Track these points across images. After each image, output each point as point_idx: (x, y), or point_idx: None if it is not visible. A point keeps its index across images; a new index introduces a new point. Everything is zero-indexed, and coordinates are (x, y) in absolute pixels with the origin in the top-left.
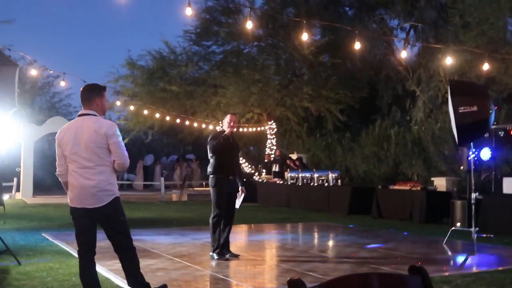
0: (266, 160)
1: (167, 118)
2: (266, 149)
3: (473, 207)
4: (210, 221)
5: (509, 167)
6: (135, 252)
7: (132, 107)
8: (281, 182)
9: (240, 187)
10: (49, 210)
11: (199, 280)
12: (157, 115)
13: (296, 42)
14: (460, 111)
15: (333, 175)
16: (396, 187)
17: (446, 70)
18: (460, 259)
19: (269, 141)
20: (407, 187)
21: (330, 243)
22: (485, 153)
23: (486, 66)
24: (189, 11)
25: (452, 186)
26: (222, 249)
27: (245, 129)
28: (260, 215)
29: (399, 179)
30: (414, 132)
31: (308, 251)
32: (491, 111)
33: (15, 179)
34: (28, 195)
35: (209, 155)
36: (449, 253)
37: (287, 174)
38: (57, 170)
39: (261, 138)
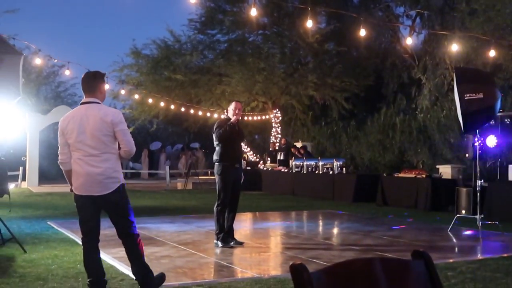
0: (271, 149)
1: (172, 107)
2: (271, 137)
3: (478, 194)
4: (215, 209)
5: None
6: (139, 238)
7: (137, 96)
8: (286, 170)
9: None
10: (55, 199)
11: (203, 267)
12: (162, 104)
13: (301, 30)
14: (466, 98)
15: (338, 163)
16: (401, 175)
17: (452, 58)
18: (465, 246)
19: (274, 129)
20: (412, 175)
21: (335, 230)
22: (491, 141)
23: (492, 53)
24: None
25: (457, 173)
26: (227, 236)
27: (250, 118)
28: (264, 203)
29: (404, 167)
30: (420, 120)
31: (312, 238)
32: (497, 98)
33: (21, 168)
34: (33, 184)
35: (215, 143)
36: (454, 240)
37: (292, 162)
38: (59, 158)
39: (266, 127)
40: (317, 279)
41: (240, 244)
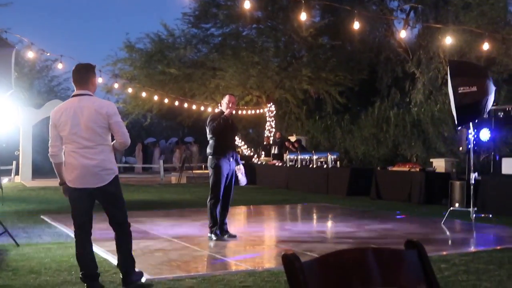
0: (265, 143)
1: (166, 101)
2: (265, 131)
3: (471, 187)
4: (208, 202)
5: (508, 147)
6: (129, 228)
7: (130, 90)
8: (280, 164)
9: (238, 165)
10: (48, 193)
11: (197, 261)
12: (156, 98)
13: (295, 24)
14: (460, 91)
15: (332, 157)
16: (395, 168)
17: (446, 52)
18: (458, 238)
19: (268, 123)
20: (406, 169)
21: (329, 224)
22: (485, 134)
23: (486, 46)
24: None
25: (451, 167)
26: (220, 230)
27: (244, 112)
28: (259, 196)
29: (398, 161)
30: (414, 114)
31: (306, 231)
32: (491, 92)
33: (14, 163)
34: (27, 178)
35: (209, 136)
36: (447, 233)
37: (286, 156)
38: (50, 150)
39: (260, 121)
40: (308, 268)
41: (234, 237)
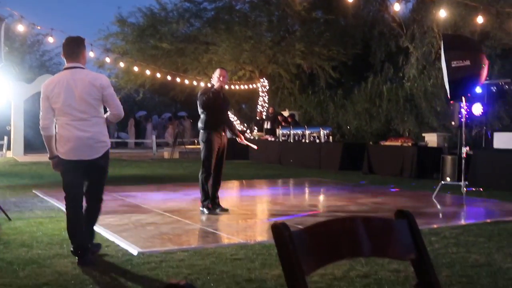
0: (258, 118)
1: (158, 75)
2: (258, 106)
3: (463, 161)
4: (200, 176)
5: (500, 122)
6: (102, 205)
7: (122, 64)
8: (272, 139)
9: (239, 138)
10: (40, 168)
11: (189, 234)
12: (148, 73)
13: None
14: (453, 65)
15: (325, 132)
16: (388, 143)
17: (440, 26)
18: (449, 212)
19: (261, 98)
20: (398, 143)
21: (321, 198)
22: (477, 109)
23: (480, 20)
24: None
25: (443, 141)
26: (212, 203)
27: (237, 87)
28: (251, 171)
29: (391, 135)
30: (407, 89)
31: (298, 205)
32: (484, 66)
33: (5, 138)
34: (19, 153)
35: (200, 110)
36: (438, 206)
37: (279, 131)
38: (42, 123)
39: (253, 96)
40: (298, 237)
41: (226, 211)
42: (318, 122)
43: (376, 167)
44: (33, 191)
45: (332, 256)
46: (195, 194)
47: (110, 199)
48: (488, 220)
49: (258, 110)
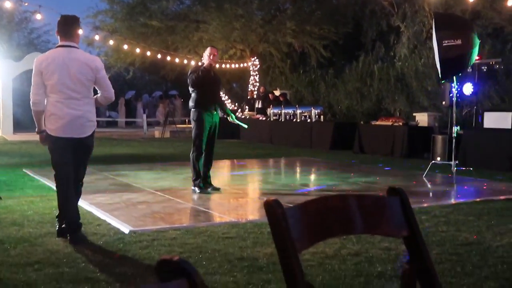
0: (249, 97)
1: (148, 53)
2: (249, 85)
3: (453, 141)
4: (191, 155)
5: (490, 102)
6: (81, 186)
7: (111, 42)
8: (264, 118)
9: (229, 117)
10: (30, 147)
11: (181, 213)
12: (138, 51)
13: None
14: (444, 44)
15: (316, 111)
16: (378, 122)
17: (431, 5)
18: (439, 191)
19: (252, 77)
20: (389, 123)
21: (312, 177)
22: (467, 88)
23: None
24: None
25: (433, 121)
26: (204, 182)
27: (228, 66)
28: (242, 151)
29: (382, 115)
30: (398, 68)
31: (289, 184)
32: (475, 45)
33: None
34: (8, 132)
35: (190, 89)
36: (429, 185)
37: (270, 111)
38: (33, 98)
39: (244, 75)
40: (291, 215)
41: (217, 190)
42: (309, 101)
43: (367, 147)
44: (24, 170)
45: (325, 234)
46: (186, 173)
47: (101, 178)
48: (478, 199)
49: (249, 89)
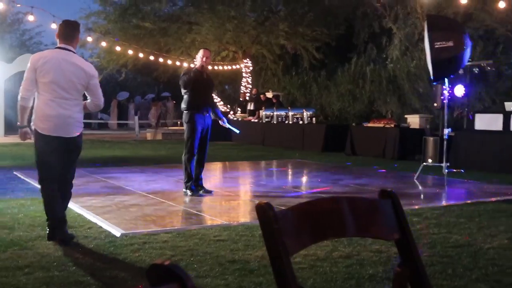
0: (241, 99)
1: (141, 55)
2: (242, 87)
3: (445, 142)
4: (183, 157)
5: (481, 103)
6: (71, 187)
7: (104, 44)
8: (256, 120)
9: (221, 120)
10: (21, 149)
11: (172, 215)
12: (131, 53)
13: None
14: (436, 46)
15: (308, 113)
16: (370, 124)
17: (423, 7)
18: (430, 193)
19: (244, 79)
20: (380, 125)
21: (304, 179)
22: (459, 90)
23: (463, 1)
24: None
25: (425, 123)
26: (196, 185)
27: (220, 68)
28: (234, 153)
29: (373, 117)
30: (390, 70)
31: (281, 187)
32: (467, 47)
33: None
34: None
35: (182, 91)
36: (420, 187)
37: (262, 113)
38: (23, 93)
39: (236, 77)
40: (283, 217)
41: (209, 192)
42: (302, 103)
43: (359, 149)
44: (14, 172)
45: (317, 236)
46: (178, 175)
47: (92, 180)
48: (469, 201)
49: (242, 91)
